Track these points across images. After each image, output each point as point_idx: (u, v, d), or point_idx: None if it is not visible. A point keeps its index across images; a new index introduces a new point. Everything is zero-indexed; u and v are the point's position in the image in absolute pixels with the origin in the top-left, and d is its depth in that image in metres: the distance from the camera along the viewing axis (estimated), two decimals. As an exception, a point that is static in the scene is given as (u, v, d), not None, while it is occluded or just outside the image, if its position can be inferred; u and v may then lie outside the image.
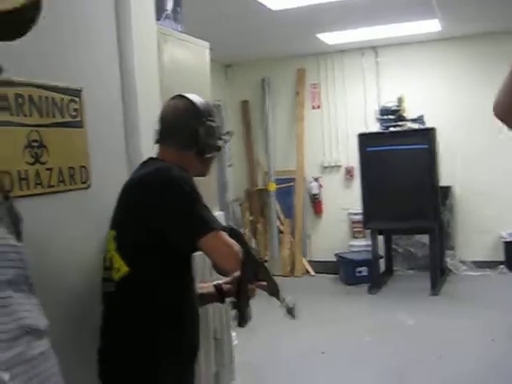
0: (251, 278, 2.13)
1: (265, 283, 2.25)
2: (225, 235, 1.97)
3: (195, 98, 2.18)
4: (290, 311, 2.42)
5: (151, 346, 1.97)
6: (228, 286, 2.32)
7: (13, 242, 1.16)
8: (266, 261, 2.14)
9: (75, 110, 2.15)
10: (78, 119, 2.16)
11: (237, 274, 2.09)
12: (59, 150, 2.06)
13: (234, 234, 2.09)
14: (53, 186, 2.03)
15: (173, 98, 2.23)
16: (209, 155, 2.19)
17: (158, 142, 2.18)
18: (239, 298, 2.14)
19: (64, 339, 1.91)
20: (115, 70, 2.43)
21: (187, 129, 2.12)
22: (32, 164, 1.94)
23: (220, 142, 2.24)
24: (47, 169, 2.01)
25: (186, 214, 1.96)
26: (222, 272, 2.15)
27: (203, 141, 2.13)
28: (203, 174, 2.26)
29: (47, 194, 2.00)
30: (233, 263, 2.00)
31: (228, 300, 2.37)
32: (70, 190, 2.07)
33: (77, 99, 2.15)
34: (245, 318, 2.19)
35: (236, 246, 1.97)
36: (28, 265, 1.16)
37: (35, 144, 1.96)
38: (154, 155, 2.19)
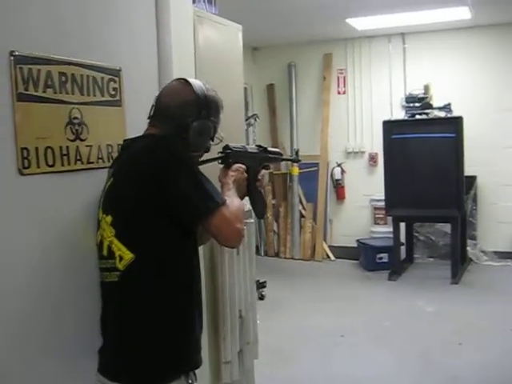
0: (256, 172, 2.24)
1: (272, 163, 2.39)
2: (226, 209, 1.85)
3: (200, 87, 2.01)
4: (295, 159, 2.69)
5: (162, 337, 1.86)
6: None
7: None
8: (260, 145, 2.20)
9: (114, 89, 2.20)
10: (117, 98, 2.22)
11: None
12: (98, 128, 2.12)
13: (230, 155, 2.13)
14: (92, 163, 2.09)
15: (178, 79, 2.08)
16: (195, 153, 2.03)
17: (149, 118, 2.03)
18: (250, 193, 2.23)
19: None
20: (153, 51, 2.48)
21: (179, 119, 1.96)
22: (73, 140, 2.01)
23: (211, 143, 2.07)
24: (87, 145, 2.07)
25: (187, 191, 1.83)
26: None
27: (192, 138, 1.97)
28: None
29: (87, 169, 2.07)
30: (235, 242, 1.96)
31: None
32: (108, 167, 2.12)
33: (116, 79, 2.21)
34: (260, 209, 2.31)
35: (238, 221, 1.88)
36: None
37: (76, 121, 2.02)
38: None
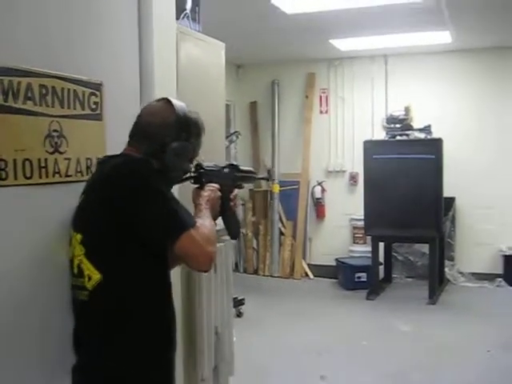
0: (228, 192, 2.20)
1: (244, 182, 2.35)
2: (196, 233, 1.80)
3: (181, 108, 1.97)
4: (267, 177, 2.62)
5: (134, 357, 1.84)
6: None
7: None
8: (232, 164, 2.18)
9: (95, 103, 2.20)
10: (98, 112, 2.22)
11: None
12: (78, 141, 2.11)
13: (202, 174, 2.11)
14: (70, 176, 2.08)
15: (161, 99, 2.05)
16: (171, 174, 1.98)
17: (130, 136, 2.00)
18: (224, 213, 2.19)
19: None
20: (135, 67, 2.49)
21: (156, 139, 1.92)
22: (51, 153, 2.00)
23: (187, 165, 2.03)
24: (65, 158, 2.07)
25: (156, 215, 1.79)
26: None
27: (168, 158, 1.92)
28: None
29: (65, 182, 2.06)
30: (205, 265, 1.88)
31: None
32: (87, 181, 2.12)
33: (97, 93, 2.21)
34: (233, 230, 2.29)
35: (209, 244, 1.83)
36: None
37: (55, 134, 2.01)
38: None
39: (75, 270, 1.87)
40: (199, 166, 2.13)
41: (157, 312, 1.90)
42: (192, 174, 2.12)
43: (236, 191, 2.29)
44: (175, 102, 2.00)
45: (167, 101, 2.00)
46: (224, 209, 2.19)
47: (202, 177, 2.12)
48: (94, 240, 1.84)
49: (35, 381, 1.97)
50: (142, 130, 1.97)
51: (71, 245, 1.90)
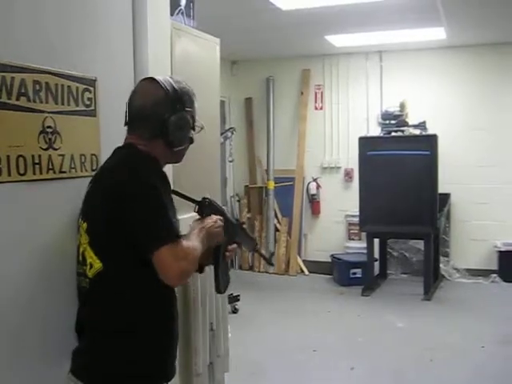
0: (227, 242, 2.17)
1: (244, 242, 2.33)
2: (178, 248, 1.80)
3: (167, 81, 1.96)
4: (269, 260, 2.58)
5: (131, 346, 1.86)
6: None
7: None
8: (243, 222, 2.17)
9: (89, 99, 2.20)
10: (92, 108, 2.21)
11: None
12: (72, 138, 2.11)
13: (207, 204, 2.10)
14: (64, 172, 2.08)
15: (143, 80, 2.05)
16: (179, 148, 2.00)
17: (126, 125, 2.00)
18: (217, 263, 2.17)
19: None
20: (129, 62, 2.48)
21: (155, 118, 1.92)
22: (45, 149, 2.00)
23: (193, 133, 2.04)
24: (59, 155, 2.06)
25: (145, 221, 1.80)
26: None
27: (173, 132, 1.93)
28: (176, 162, 2.12)
29: (59, 179, 2.05)
30: (175, 280, 1.84)
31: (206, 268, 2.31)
32: (81, 177, 2.11)
33: (91, 89, 2.20)
34: (222, 284, 2.23)
35: (185, 260, 1.80)
36: None
37: (49, 130, 2.01)
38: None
39: (80, 258, 1.91)
40: (207, 199, 2.12)
41: (157, 300, 1.91)
42: (197, 200, 2.12)
43: (234, 246, 2.25)
44: (159, 77, 1.99)
45: (151, 79, 2.00)
46: (217, 256, 2.16)
47: (205, 208, 2.10)
48: (96, 229, 1.86)
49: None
50: (137, 115, 1.96)
51: (79, 233, 1.93)
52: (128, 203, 1.80)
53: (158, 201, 1.83)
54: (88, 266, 1.86)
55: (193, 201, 2.14)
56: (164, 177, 1.96)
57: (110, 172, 1.91)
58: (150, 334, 1.89)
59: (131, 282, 1.85)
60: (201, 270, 2.21)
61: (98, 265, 1.84)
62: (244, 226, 2.34)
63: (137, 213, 1.80)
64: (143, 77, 2.45)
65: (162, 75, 2.04)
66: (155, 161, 1.95)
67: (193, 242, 1.90)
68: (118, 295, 1.85)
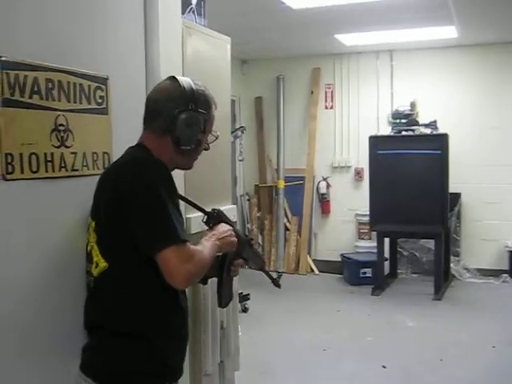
0: (233, 257, 2.17)
1: (251, 259, 2.31)
2: (184, 250, 1.80)
3: (186, 81, 1.97)
4: (276, 282, 2.57)
5: (137, 346, 1.86)
6: None
7: None
8: (252, 239, 2.17)
9: (101, 97, 2.20)
10: (104, 106, 2.21)
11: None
12: (84, 136, 2.11)
13: (216, 215, 2.11)
14: (76, 170, 2.08)
15: (167, 78, 2.05)
16: (185, 147, 1.95)
17: (144, 122, 2.01)
18: (221, 276, 2.17)
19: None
20: (141, 61, 2.49)
21: (166, 113, 1.92)
22: (58, 147, 2.00)
23: (201, 136, 1.99)
24: (72, 153, 2.06)
25: (149, 222, 1.80)
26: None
27: (180, 129, 1.92)
28: (186, 167, 2.09)
29: (71, 177, 2.06)
30: (179, 281, 1.81)
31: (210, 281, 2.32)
32: (93, 175, 2.11)
33: (103, 87, 2.21)
34: (223, 298, 2.23)
35: (190, 263, 1.79)
36: None
37: (62, 128, 2.01)
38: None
39: (88, 256, 1.93)
40: (216, 211, 2.14)
41: (163, 308, 1.90)
42: (207, 211, 2.13)
43: (240, 261, 2.25)
44: (180, 77, 2.00)
45: (173, 77, 2.01)
46: (222, 269, 2.15)
47: (214, 220, 2.11)
48: (102, 228, 1.88)
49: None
50: (151, 109, 1.98)
51: (88, 231, 1.95)
52: (131, 202, 1.80)
53: (159, 201, 1.81)
54: (94, 265, 1.88)
55: (202, 211, 2.15)
56: (170, 179, 1.92)
57: (116, 171, 1.92)
58: (156, 334, 1.89)
59: (136, 281, 1.85)
60: (204, 281, 2.22)
61: (103, 264, 1.85)
62: (253, 242, 2.33)
63: (139, 212, 1.80)
64: (155, 75, 2.48)
65: (186, 77, 2.04)
66: (161, 163, 1.92)
67: (200, 247, 1.90)
68: (123, 294, 1.86)
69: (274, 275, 2.51)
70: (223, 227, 2.08)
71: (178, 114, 1.91)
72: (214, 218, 2.12)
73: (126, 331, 1.85)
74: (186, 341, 2.04)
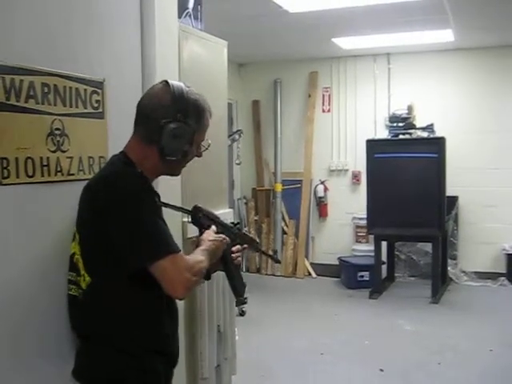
0: (229, 247, 2.16)
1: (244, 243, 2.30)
2: (181, 260, 1.80)
3: (179, 89, 1.90)
4: (275, 258, 2.61)
5: (121, 357, 1.85)
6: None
7: None
8: (238, 223, 2.18)
9: (97, 101, 2.20)
10: (100, 110, 2.21)
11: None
12: (80, 140, 2.11)
13: (198, 212, 2.12)
14: (72, 175, 2.08)
15: (160, 82, 1.97)
16: (170, 158, 1.89)
17: (134, 125, 1.96)
18: (227, 269, 2.18)
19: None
20: (137, 65, 2.49)
21: (154, 121, 1.86)
22: (54, 151, 2.00)
23: (188, 147, 1.91)
24: (68, 157, 2.06)
25: (139, 233, 1.76)
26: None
27: (165, 140, 1.85)
28: (172, 175, 2.05)
29: (67, 181, 2.05)
30: (179, 291, 1.80)
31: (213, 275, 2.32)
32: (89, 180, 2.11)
33: (99, 91, 2.21)
34: (238, 287, 2.24)
35: (188, 272, 1.78)
36: None
37: (58, 132, 2.01)
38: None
39: (73, 266, 1.89)
40: (198, 209, 2.13)
41: (148, 324, 1.88)
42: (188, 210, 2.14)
43: (238, 246, 2.23)
44: (173, 82, 1.92)
45: (166, 82, 1.93)
46: (226, 261, 2.16)
47: (200, 220, 2.12)
48: (84, 242, 1.86)
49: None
50: (141, 114, 1.93)
51: (74, 241, 1.91)
52: (114, 217, 1.77)
53: (145, 213, 1.79)
54: (82, 277, 1.86)
55: (184, 211, 2.14)
56: (150, 190, 1.90)
57: (95, 182, 1.89)
58: (143, 350, 1.87)
59: (120, 297, 1.83)
60: (208, 277, 2.20)
61: (87, 278, 1.84)
62: (238, 226, 2.32)
63: (126, 225, 1.76)
64: (151, 79, 2.47)
65: (180, 82, 1.98)
66: (141, 175, 1.88)
67: (196, 255, 1.90)
68: (108, 309, 1.84)
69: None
70: (208, 235, 2.06)
71: (165, 125, 1.85)
72: (199, 216, 2.13)
73: (110, 343, 1.85)
74: (173, 357, 2.02)
